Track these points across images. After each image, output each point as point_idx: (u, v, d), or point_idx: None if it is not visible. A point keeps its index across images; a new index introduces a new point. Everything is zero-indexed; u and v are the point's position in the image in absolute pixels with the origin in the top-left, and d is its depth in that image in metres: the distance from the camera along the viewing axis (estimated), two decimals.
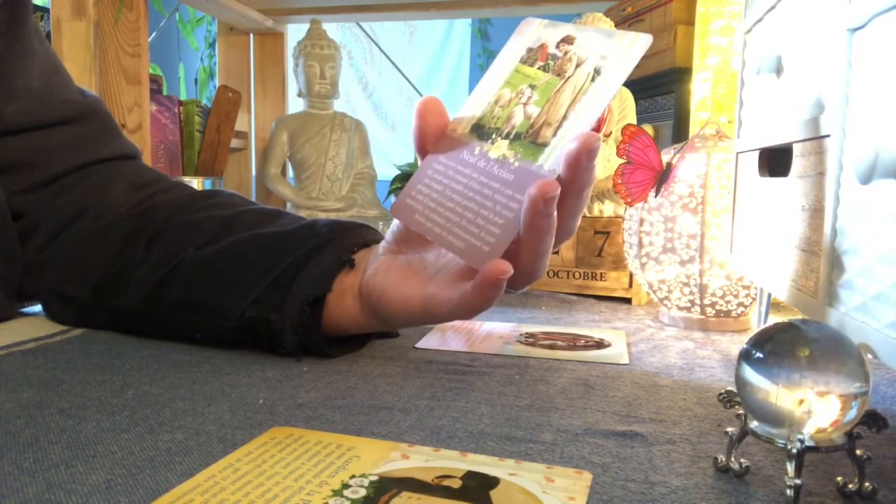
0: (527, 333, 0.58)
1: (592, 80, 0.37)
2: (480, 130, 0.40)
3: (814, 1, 0.38)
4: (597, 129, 0.85)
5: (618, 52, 0.36)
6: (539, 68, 0.39)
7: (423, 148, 0.41)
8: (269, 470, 0.29)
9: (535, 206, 0.34)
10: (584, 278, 0.79)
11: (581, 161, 0.34)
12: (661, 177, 0.62)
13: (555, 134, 0.37)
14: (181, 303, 0.50)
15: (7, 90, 0.56)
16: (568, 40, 0.39)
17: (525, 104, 0.39)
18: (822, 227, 0.34)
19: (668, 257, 0.62)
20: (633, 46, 0.36)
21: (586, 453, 0.33)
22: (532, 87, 0.39)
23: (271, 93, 1.64)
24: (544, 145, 0.37)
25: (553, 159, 0.36)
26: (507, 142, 0.38)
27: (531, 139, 0.37)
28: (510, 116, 0.39)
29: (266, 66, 1.63)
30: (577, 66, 0.38)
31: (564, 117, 0.37)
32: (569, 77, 0.38)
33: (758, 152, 0.50)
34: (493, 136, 0.39)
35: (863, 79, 0.31)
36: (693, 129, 0.83)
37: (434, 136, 0.41)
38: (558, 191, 0.34)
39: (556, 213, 0.35)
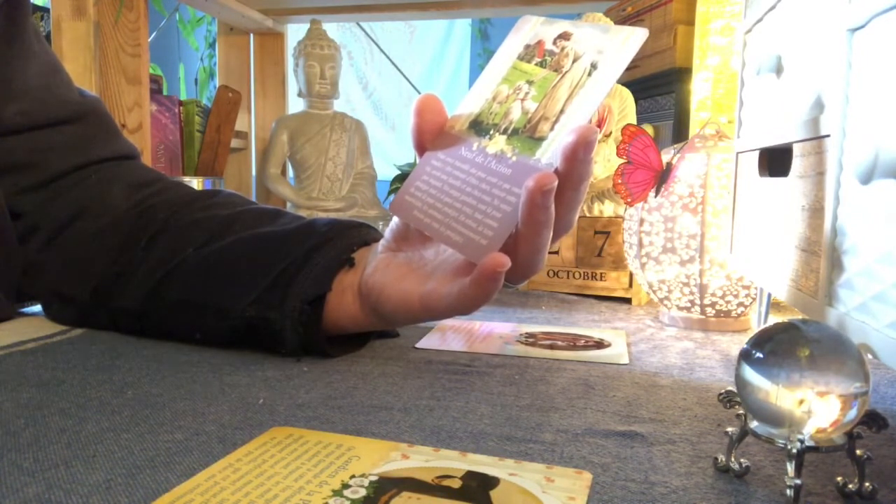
0: (527, 333, 0.58)
1: (589, 74, 0.37)
2: (478, 126, 0.40)
3: (814, 1, 0.38)
4: (598, 125, 0.85)
5: (614, 46, 0.37)
6: (536, 64, 0.39)
7: (422, 145, 0.41)
8: (269, 470, 0.29)
9: (533, 199, 0.34)
10: (584, 278, 0.78)
11: (578, 153, 0.34)
12: (661, 177, 0.62)
13: (552, 128, 0.37)
14: (181, 303, 0.50)
15: (6, 90, 0.56)
16: (565, 36, 0.39)
17: (523, 100, 0.39)
18: (822, 227, 0.34)
19: (668, 257, 0.62)
20: (629, 40, 0.36)
21: (586, 453, 0.33)
22: (529, 82, 0.39)
23: (271, 93, 1.64)
24: (542, 139, 0.37)
25: (551, 153, 0.36)
26: (504, 137, 0.38)
27: (528, 134, 0.37)
28: (508, 112, 0.39)
29: (266, 66, 1.63)
30: (574, 61, 0.38)
31: (562, 111, 0.37)
32: (566, 72, 0.38)
33: (758, 152, 0.50)
34: (491, 131, 0.39)
35: (863, 79, 0.31)
36: (693, 129, 0.83)
37: (432, 133, 0.41)
38: (555, 183, 0.34)
39: (553, 206, 0.35)
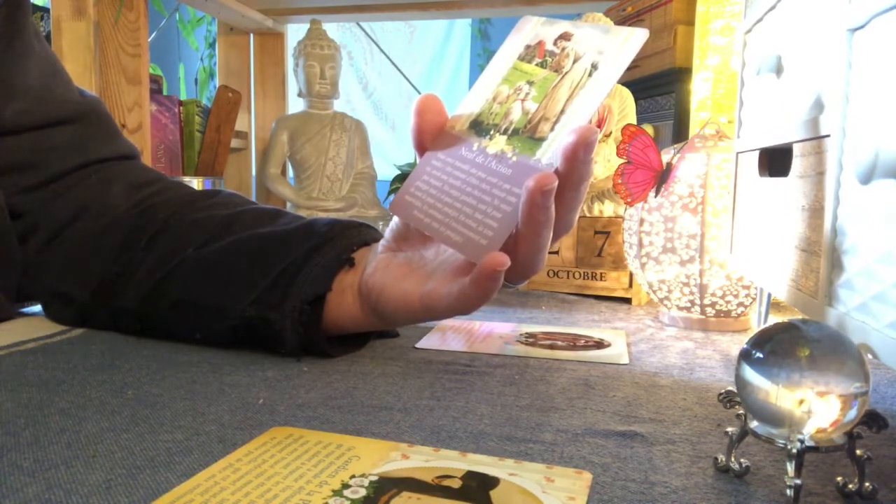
0: (527, 333, 0.58)
1: (590, 74, 0.37)
2: (479, 127, 0.40)
3: (814, 1, 0.38)
4: (598, 125, 0.85)
5: (614, 46, 0.37)
6: (537, 65, 0.39)
7: (422, 145, 0.41)
8: (269, 470, 0.29)
9: (533, 199, 0.34)
10: (584, 278, 0.78)
11: (578, 154, 0.34)
12: (661, 177, 0.62)
13: (552, 128, 0.37)
14: (181, 303, 0.50)
15: (6, 90, 0.56)
16: (565, 37, 0.39)
17: (523, 100, 0.39)
18: (822, 227, 0.34)
19: (668, 257, 0.62)
20: (629, 41, 0.36)
21: (586, 453, 0.33)
22: (530, 83, 0.39)
23: (271, 93, 1.64)
24: (542, 140, 0.37)
25: (551, 153, 0.36)
26: (505, 137, 0.38)
27: (529, 134, 0.38)
28: (508, 112, 0.39)
29: (266, 66, 1.63)
30: (575, 61, 0.38)
31: (562, 112, 0.37)
32: (566, 72, 0.38)
33: (758, 152, 0.50)
34: (492, 131, 0.39)
35: (863, 79, 0.31)
36: (693, 129, 0.83)
37: (432, 133, 0.41)
38: (556, 183, 0.34)
39: (553, 206, 0.35)
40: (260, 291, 0.47)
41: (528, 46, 0.41)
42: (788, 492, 0.27)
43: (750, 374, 0.28)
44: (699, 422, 0.38)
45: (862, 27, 0.31)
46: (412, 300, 0.41)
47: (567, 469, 0.30)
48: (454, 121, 0.41)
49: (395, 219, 0.44)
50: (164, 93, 1.51)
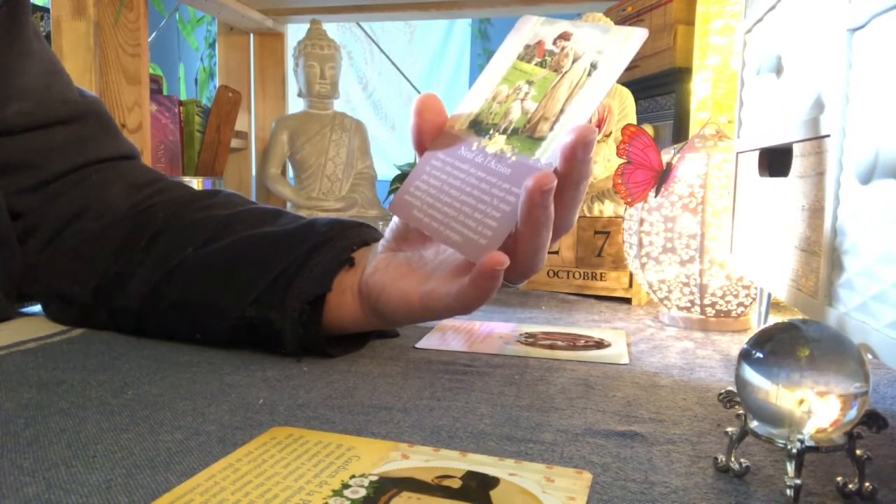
0: (527, 333, 0.58)
1: (589, 74, 0.37)
2: (478, 126, 0.40)
3: (814, 1, 0.38)
4: (598, 125, 0.85)
5: (614, 46, 0.37)
6: (536, 64, 0.39)
7: (422, 144, 0.41)
8: (269, 470, 0.29)
9: (532, 199, 0.34)
10: (584, 278, 0.78)
11: (577, 153, 0.34)
12: (661, 177, 0.62)
13: (551, 128, 0.37)
14: (181, 303, 0.50)
15: (6, 90, 0.56)
16: (565, 36, 0.39)
17: (522, 100, 0.39)
18: (822, 227, 0.34)
19: (668, 257, 0.62)
20: (629, 40, 0.36)
21: (586, 453, 0.33)
22: (529, 82, 0.39)
23: (271, 93, 1.64)
24: (541, 139, 0.37)
25: (550, 153, 0.36)
26: (504, 136, 0.38)
27: (528, 133, 0.38)
28: (508, 112, 0.39)
29: (266, 66, 1.63)
30: (574, 61, 0.38)
31: (561, 111, 0.37)
32: (565, 72, 0.38)
33: (758, 152, 0.50)
34: (491, 131, 0.39)
35: (863, 79, 0.31)
36: (693, 129, 0.83)
37: (432, 133, 0.41)
38: (555, 183, 0.34)
39: (553, 205, 0.35)
40: (260, 291, 0.47)
41: (527, 46, 0.41)
42: (788, 492, 0.27)
43: (750, 374, 0.28)
44: (699, 422, 0.38)
45: (862, 27, 0.31)
46: (412, 300, 0.41)
47: (567, 469, 0.30)
48: (454, 120, 0.41)
49: (395, 219, 0.44)
50: (164, 93, 1.51)
